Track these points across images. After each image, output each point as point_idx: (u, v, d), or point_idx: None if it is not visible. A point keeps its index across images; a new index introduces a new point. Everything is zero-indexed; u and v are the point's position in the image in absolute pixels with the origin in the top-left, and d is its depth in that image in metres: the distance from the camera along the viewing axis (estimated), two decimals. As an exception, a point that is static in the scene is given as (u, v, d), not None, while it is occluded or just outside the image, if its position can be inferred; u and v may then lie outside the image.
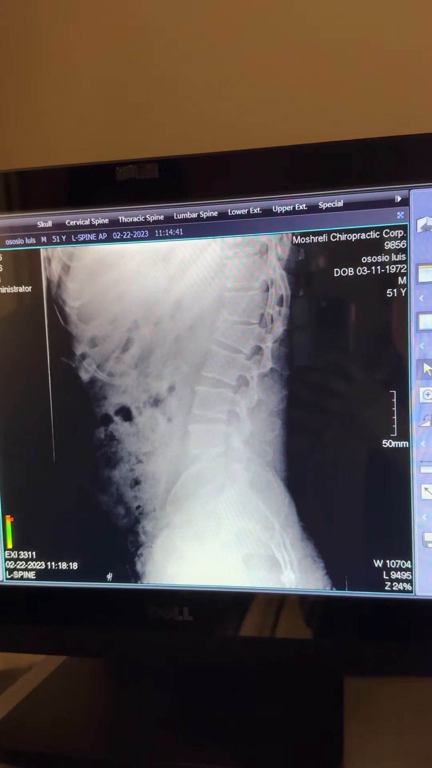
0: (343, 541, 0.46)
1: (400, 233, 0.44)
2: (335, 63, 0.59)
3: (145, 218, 0.47)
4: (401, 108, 0.57)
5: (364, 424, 0.46)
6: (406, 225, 0.44)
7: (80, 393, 0.49)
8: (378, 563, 0.46)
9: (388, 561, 0.46)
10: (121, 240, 0.48)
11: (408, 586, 0.45)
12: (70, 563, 0.50)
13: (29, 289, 0.49)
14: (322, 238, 0.45)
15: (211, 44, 0.62)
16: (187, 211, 0.47)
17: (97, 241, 0.48)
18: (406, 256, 0.44)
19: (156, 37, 0.63)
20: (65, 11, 0.65)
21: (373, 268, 0.44)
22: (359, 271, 0.44)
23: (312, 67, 0.60)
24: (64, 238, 0.49)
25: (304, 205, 0.45)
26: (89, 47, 0.65)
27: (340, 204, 0.44)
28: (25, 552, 0.51)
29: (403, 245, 0.44)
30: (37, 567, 0.51)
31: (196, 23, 0.62)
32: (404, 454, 0.45)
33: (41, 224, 0.49)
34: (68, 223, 0.48)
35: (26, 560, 0.51)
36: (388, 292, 0.44)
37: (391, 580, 0.46)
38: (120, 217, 0.48)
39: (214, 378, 0.48)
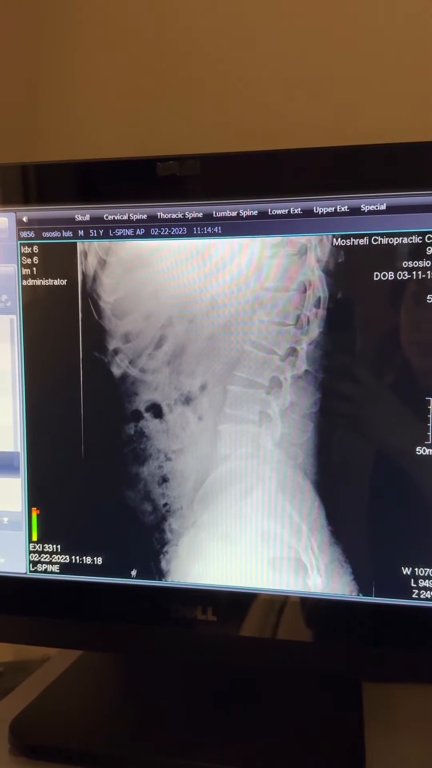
0: (372, 547, 0.46)
1: (443, 239, 0.43)
2: (389, 65, 0.59)
3: (184, 215, 0.47)
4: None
5: (397, 430, 0.45)
6: (449, 230, 0.43)
7: (111, 388, 0.49)
8: (406, 570, 0.45)
9: (416, 569, 0.45)
10: (159, 236, 0.48)
11: (436, 595, 0.45)
12: (95, 558, 0.50)
13: (64, 282, 0.49)
14: (363, 241, 0.44)
15: (253, 40, 0.61)
16: (226, 209, 0.46)
17: (135, 236, 0.48)
18: (448, 262, 0.43)
19: (198, 31, 0.62)
20: (104, 3, 0.65)
21: (414, 273, 0.44)
22: (399, 275, 0.44)
23: (365, 67, 0.59)
24: (101, 232, 0.48)
25: (346, 207, 0.45)
26: (128, 40, 0.64)
27: (383, 207, 0.44)
28: (50, 545, 0.51)
29: (446, 251, 0.43)
30: (62, 560, 0.51)
31: (240, 16, 0.62)
32: (438, 462, 0.44)
33: (79, 218, 0.49)
34: (106, 217, 0.48)
35: (51, 553, 0.51)
36: (429, 297, 0.44)
37: (419, 588, 0.45)
38: (158, 213, 0.47)
39: (247, 378, 0.47)
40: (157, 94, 0.64)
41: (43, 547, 0.51)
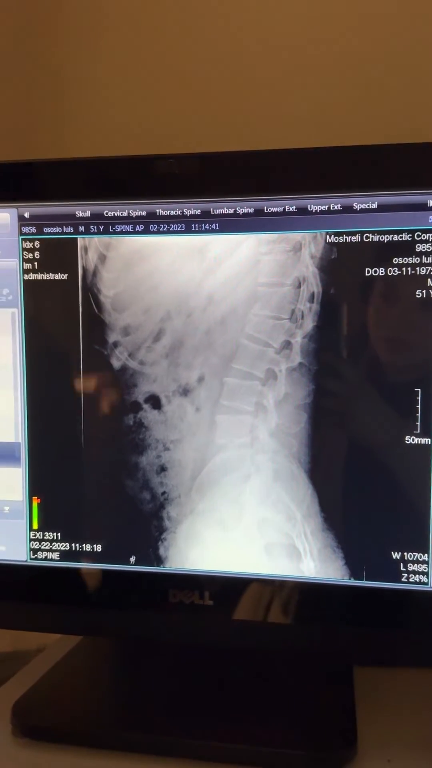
0: (363, 532, 0.48)
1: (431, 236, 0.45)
2: (386, 66, 0.60)
3: (182, 212, 0.49)
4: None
5: (387, 420, 0.47)
6: (438, 229, 0.45)
7: (111, 380, 0.50)
8: (396, 555, 0.47)
9: (405, 553, 0.47)
10: (158, 232, 0.49)
11: (424, 579, 0.47)
12: (94, 545, 0.52)
13: (65, 276, 0.51)
14: (355, 238, 0.46)
15: (260, 44, 0.63)
16: (224, 207, 0.48)
17: (134, 232, 0.49)
18: (437, 259, 0.45)
19: (212, 33, 0.64)
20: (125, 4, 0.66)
21: (404, 269, 0.46)
22: (390, 271, 0.46)
23: (361, 69, 0.61)
24: (101, 228, 0.50)
25: (339, 206, 0.46)
26: (128, 38, 0.66)
27: (374, 206, 0.46)
28: (50, 533, 0.52)
29: (434, 248, 0.45)
30: (62, 548, 0.52)
31: (253, 18, 0.63)
32: (426, 451, 0.46)
33: (80, 214, 0.50)
34: (106, 213, 0.50)
35: (51, 541, 0.52)
36: (417, 292, 0.46)
37: (408, 572, 0.47)
38: (157, 210, 0.49)
39: (243, 370, 0.49)
40: (156, 93, 0.65)
41: (44, 535, 0.52)
